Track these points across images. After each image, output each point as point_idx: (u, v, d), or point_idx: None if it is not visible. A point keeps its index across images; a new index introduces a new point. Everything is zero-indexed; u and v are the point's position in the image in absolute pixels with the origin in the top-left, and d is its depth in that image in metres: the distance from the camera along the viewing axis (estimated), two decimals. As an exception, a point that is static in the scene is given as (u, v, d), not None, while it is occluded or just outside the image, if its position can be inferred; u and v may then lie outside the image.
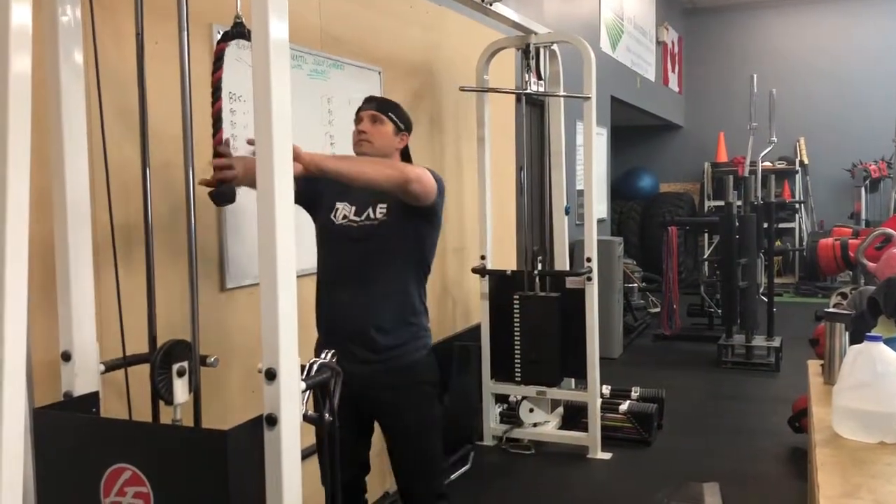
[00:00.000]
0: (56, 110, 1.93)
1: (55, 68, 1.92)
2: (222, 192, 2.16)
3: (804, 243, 10.24)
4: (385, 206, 2.52)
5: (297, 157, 2.03)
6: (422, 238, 2.59)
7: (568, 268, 4.52)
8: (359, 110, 2.64)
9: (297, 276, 1.88)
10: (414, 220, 2.53)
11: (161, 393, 2.01)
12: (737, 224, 6.49)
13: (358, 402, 2.52)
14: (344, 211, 2.57)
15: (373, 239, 2.51)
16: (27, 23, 1.63)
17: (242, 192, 2.32)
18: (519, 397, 4.45)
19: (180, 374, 2.02)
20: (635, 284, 8.22)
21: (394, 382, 2.54)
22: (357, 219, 2.54)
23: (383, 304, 2.52)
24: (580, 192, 6.16)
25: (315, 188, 2.55)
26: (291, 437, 1.84)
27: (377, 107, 2.60)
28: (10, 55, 1.59)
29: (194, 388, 2.02)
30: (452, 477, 3.16)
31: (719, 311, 7.27)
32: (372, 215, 2.53)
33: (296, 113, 1.91)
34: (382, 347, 2.51)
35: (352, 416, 2.48)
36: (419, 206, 2.47)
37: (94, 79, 2.06)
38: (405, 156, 2.70)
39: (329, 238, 2.60)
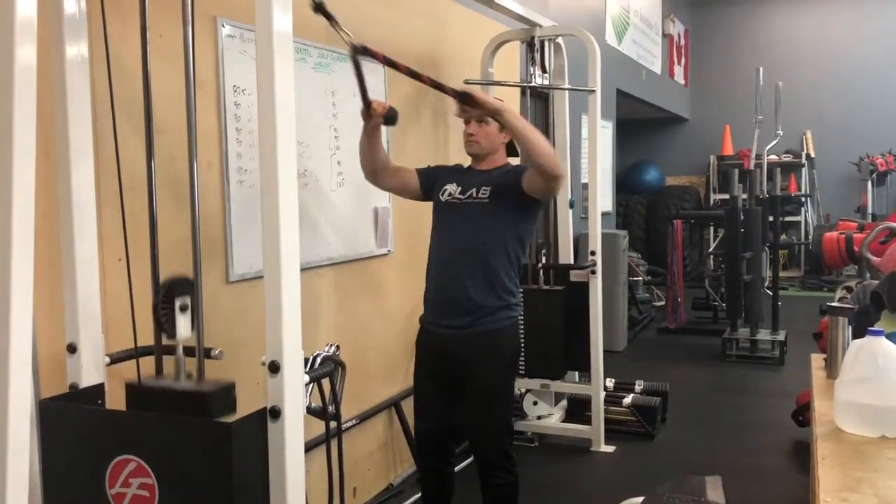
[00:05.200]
0: (61, 102, 1.94)
1: (60, 60, 1.93)
2: (391, 116, 2.72)
3: (810, 237, 10.23)
4: (488, 188, 2.79)
5: (476, 99, 2.52)
6: (518, 222, 2.82)
7: (572, 261, 4.53)
8: None
9: (301, 270, 1.89)
10: (512, 206, 2.78)
11: (164, 327, 2.01)
12: (742, 217, 6.47)
13: (446, 362, 2.80)
14: (450, 189, 2.87)
15: (472, 215, 2.79)
16: (32, 14, 1.63)
17: (247, 187, 2.33)
18: (523, 390, 4.45)
19: (183, 309, 2.01)
20: (640, 278, 8.21)
21: (479, 346, 2.76)
22: (461, 196, 2.83)
23: (476, 274, 2.75)
24: (585, 186, 6.15)
25: (434, 179, 2.93)
26: (295, 430, 1.85)
27: (462, 101, 2.78)
28: (15, 46, 1.60)
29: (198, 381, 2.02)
30: (457, 469, 3.18)
31: (724, 304, 7.26)
32: (475, 195, 2.80)
33: (300, 106, 1.92)
34: (472, 313, 2.75)
35: (440, 373, 2.83)
36: (533, 196, 2.75)
37: (97, 71, 2.06)
38: (510, 148, 2.94)
39: (437, 213, 2.92)
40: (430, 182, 2.95)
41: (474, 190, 2.81)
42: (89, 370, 2.00)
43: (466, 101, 2.57)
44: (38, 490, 1.93)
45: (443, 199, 2.88)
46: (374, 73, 3.35)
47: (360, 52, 2.39)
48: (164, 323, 2.01)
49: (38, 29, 1.66)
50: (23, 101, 1.61)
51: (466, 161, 3.01)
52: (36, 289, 1.68)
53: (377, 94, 3.54)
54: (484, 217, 2.78)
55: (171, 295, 2.00)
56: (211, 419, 1.88)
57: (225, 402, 1.95)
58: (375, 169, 2.92)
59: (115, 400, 2.15)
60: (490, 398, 2.81)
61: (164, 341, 2.06)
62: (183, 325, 2.02)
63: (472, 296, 2.74)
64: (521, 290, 4.02)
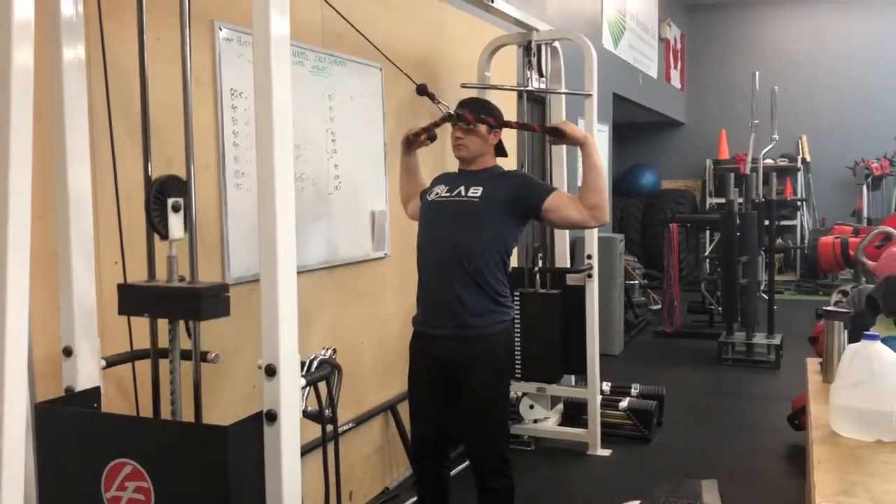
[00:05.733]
0: (58, 104, 1.93)
1: (57, 62, 1.92)
2: (434, 136, 3.13)
3: (805, 241, 10.25)
4: (479, 189, 2.79)
5: (565, 132, 2.79)
6: (509, 228, 2.83)
7: (569, 265, 4.53)
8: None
9: (298, 273, 1.89)
10: (505, 210, 2.78)
11: (156, 227, 1.97)
12: (738, 221, 6.48)
13: (440, 366, 2.80)
14: (437, 190, 2.91)
15: (459, 212, 2.79)
16: (30, 17, 1.63)
17: (244, 190, 2.32)
18: (519, 393, 4.45)
19: (175, 209, 1.98)
20: (636, 281, 8.22)
21: (472, 351, 2.75)
22: (448, 195, 2.84)
23: (466, 278, 2.75)
24: (581, 189, 6.16)
25: (426, 190, 2.99)
26: (291, 433, 1.85)
27: (470, 111, 2.87)
28: (12, 49, 1.59)
29: (194, 384, 2.02)
30: (453, 473, 3.17)
31: (720, 308, 7.27)
32: (463, 193, 2.81)
33: (297, 109, 1.92)
34: (463, 317, 2.74)
35: (434, 378, 2.83)
36: (549, 219, 2.83)
37: (95, 73, 2.06)
38: (499, 149, 2.96)
39: (423, 213, 2.95)
40: (423, 195, 3.01)
41: (463, 188, 2.82)
42: (85, 373, 1.99)
43: (555, 134, 2.85)
44: (33, 494, 1.92)
45: (430, 198, 2.90)
46: (373, 76, 3.36)
47: (450, 119, 2.87)
48: (156, 222, 1.96)
49: (35, 31, 1.66)
50: (20, 104, 1.61)
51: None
52: (32, 292, 1.68)
53: (375, 94, 3.55)
54: (472, 216, 2.77)
55: (162, 194, 1.96)
56: (204, 425, 1.88)
57: (217, 303, 1.91)
58: (412, 193, 3.12)
59: (111, 403, 2.15)
60: (485, 402, 2.80)
61: (161, 345, 2.06)
62: (176, 225, 1.98)
63: (464, 301, 2.74)
64: (517, 293, 4.09)
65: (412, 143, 3.14)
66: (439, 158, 3.99)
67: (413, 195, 3.16)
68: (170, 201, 1.97)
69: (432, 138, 3.15)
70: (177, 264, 1.99)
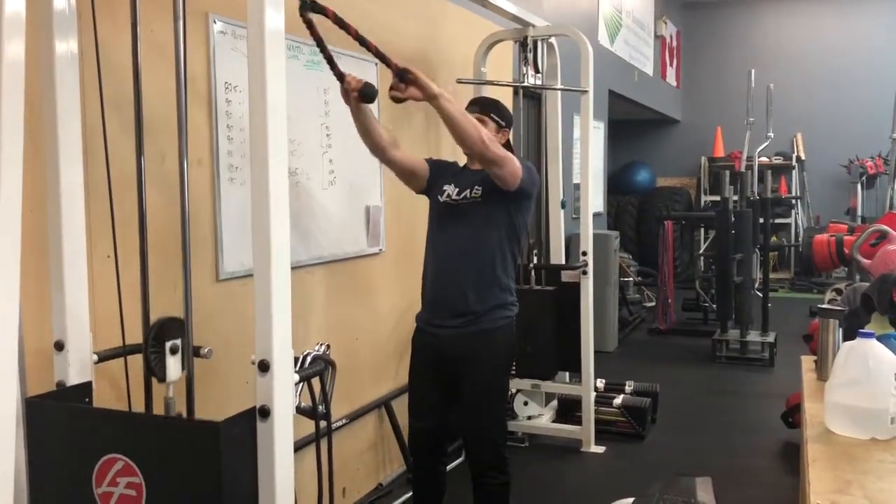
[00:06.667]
0: (50, 98, 1.92)
1: (49, 56, 1.91)
2: (367, 92, 2.52)
3: (800, 239, 10.26)
4: (480, 188, 2.80)
5: (417, 79, 2.46)
6: (510, 219, 2.82)
7: (564, 261, 4.53)
8: None
9: (292, 268, 1.88)
10: (502, 203, 2.78)
11: (154, 370, 2.00)
12: (733, 219, 6.49)
13: (441, 361, 2.81)
14: (448, 191, 2.87)
15: (467, 215, 2.80)
16: (21, 10, 1.62)
17: (238, 184, 2.31)
18: (514, 390, 4.45)
19: (173, 351, 2.01)
20: (631, 279, 8.23)
21: (474, 346, 2.76)
22: (457, 198, 2.84)
23: (472, 274, 2.76)
24: (577, 186, 6.15)
25: (437, 175, 2.93)
26: (284, 429, 1.84)
27: (480, 109, 2.90)
28: (3, 42, 1.58)
29: (187, 379, 2.01)
30: (449, 467, 3.17)
31: (714, 305, 7.28)
32: (468, 195, 2.81)
33: (291, 104, 1.91)
34: (468, 313, 2.75)
35: (435, 372, 2.84)
36: (506, 189, 2.73)
37: (87, 67, 2.05)
38: (507, 148, 2.88)
39: (434, 214, 2.93)
40: (433, 177, 2.94)
41: (468, 191, 2.83)
42: (77, 368, 1.98)
43: (405, 79, 2.48)
44: (24, 489, 1.91)
45: (441, 199, 2.89)
46: (366, 69, 3.34)
47: (308, 9, 2.19)
48: (153, 365, 2.00)
49: (27, 25, 1.64)
50: (11, 98, 1.60)
51: (462, 160, 3.01)
52: (23, 285, 1.67)
53: (369, 92, 3.53)
54: (478, 217, 2.79)
55: (161, 336, 1.99)
56: (197, 420, 1.87)
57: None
58: (376, 146, 2.78)
59: (103, 398, 2.14)
60: (484, 398, 2.80)
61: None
62: (173, 367, 2.02)
63: (469, 296, 2.75)
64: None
65: (347, 96, 2.61)
66: (434, 152, 3.98)
67: (381, 148, 2.81)
68: (168, 344, 2.00)
69: (366, 95, 2.54)
70: (174, 405, 2.02)
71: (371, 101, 2.58)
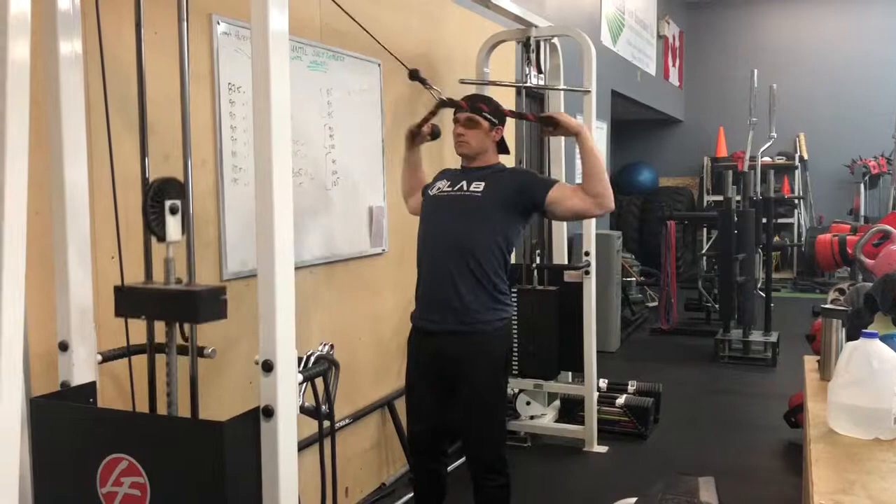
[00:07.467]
0: (55, 99, 1.92)
1: (54, 57, 1.91)
2: (437, 132, 3.18)
3: (802, 239, 10.26)
4: (482, 184, 2.79)
5: (559, 123, 2.77)
6: (511, 224, 2.82)
7: (566, 261, 4.53)
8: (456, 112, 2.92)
9: (296, 268, 1.89)
10: (512, 208, 2.79)
11: (153, 229, 1.95)
12: (735, 219, 6.49)
13: (438, 362, 2.80)
14: (440, 185, 2.92)
15: (461, 209, 2.80)
16: (26, 10, 1.62)
17: (242, 185, 2.32)
18: (516, 390, 4.45)
19: (173, 211, 1.96)
20: (633, 278, 8.23)
21: (470, 348, 2.75)
22: (449, 189, 2.85)
23: (467, 275, 2.74)
24: (579, 186, 6.16)
25: (427, 189, 3.00)
26: (288, 429, 1.84)
27: (472, 109, 2.87)
28: (8, 43, 1.58)
29: (191, 379, 2.01)
30: (450, 469, 3.18)
31: (717, 305, 7.28)
32: (465, 188, 2.81)
33: (295, 104, 1.91)
34: (463, 314, 2.74)
35: (432, 373, 2.82)
36: (553, 213, 2.81)
37: (91, 67, 2.05)
38: (501, 146, 2.95)
39: (424, 208, 2.96)
40: (425, 189, 3.03)
41: (465, 183, 2.82)
42: (81, 368, 1.98)
43: (549, 124, 2.81)
44: (28, 489, 1.91)
45: (432, 192, 2.91)
46: (371, 72, 3.35)
47: (444, 105, 2.89)
48: (153, 225, 1.94)
49: (32, 25, 1.65)
50: (16, 98, 1.60)
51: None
52: (28, 286, 1.67)
53: (373, 90, 3.54)
54: (474, 212, 2.77)
55: (160, 195, 1.94)
56: (201, 420, 1.87)
57: (214, 305, 1.88)
58: (416, 186, 3.12)
59: (107, 398, 2.14)
60: (482, 400, 2.79)
61: (157, 340, 2.05)
62: (173, 227, 1.96)
63: (464, 296, 2.73)
64: (514, 289, 4.08)
65: (416, 136, 3.15)
66: (436, 159, 3.98)
67: (415, 190, 3.16)
68: (167, 203, 1.95)
69: (436, 135, 3.17)
70: (174, 267, 1.98)
71: (438, 137, 3.19)
